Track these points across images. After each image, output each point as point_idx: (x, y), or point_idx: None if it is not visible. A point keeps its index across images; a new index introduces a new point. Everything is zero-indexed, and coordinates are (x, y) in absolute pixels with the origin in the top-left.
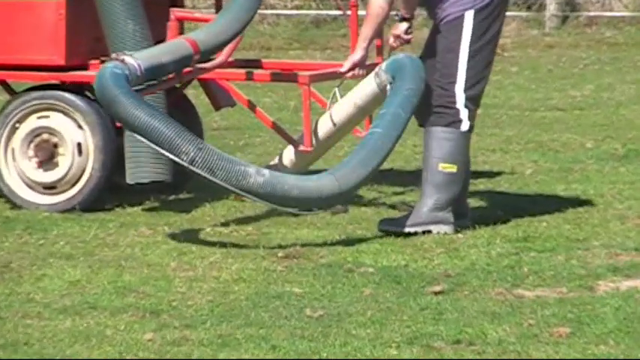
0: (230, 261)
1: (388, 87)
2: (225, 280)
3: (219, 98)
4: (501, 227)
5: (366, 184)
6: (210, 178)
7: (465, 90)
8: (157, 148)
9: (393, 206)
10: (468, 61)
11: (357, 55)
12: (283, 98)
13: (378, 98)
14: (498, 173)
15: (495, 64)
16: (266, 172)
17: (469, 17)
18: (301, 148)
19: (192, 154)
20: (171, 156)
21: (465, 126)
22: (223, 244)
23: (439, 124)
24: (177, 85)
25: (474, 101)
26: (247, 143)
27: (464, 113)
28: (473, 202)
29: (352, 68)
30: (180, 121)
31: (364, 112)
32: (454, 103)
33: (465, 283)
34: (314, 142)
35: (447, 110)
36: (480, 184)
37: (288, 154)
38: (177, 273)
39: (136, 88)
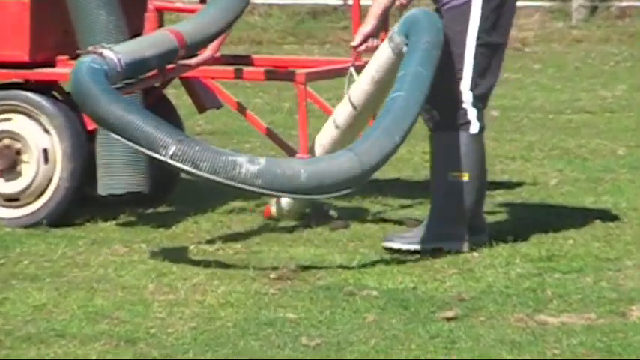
0: (216, 283)
1: (404, 49)
2: (210, 305)
3: (204, 99)
4: (522, 245)
5: (391, 158)
6: (195, 172)
7: (473, 87)
8: (135, 145)
9: (399, 222)
10: (475, 55)
11: (367, 27)
12: (276, 99)
13: (397, 65)
14: (519, 184)
15: (516, 60)
16: (261, 160)
17: (477, 4)
18: (298, 156)
19: (171, 147)
20: (150, 152)
21: (474, 128)
22: (208, 264)
23: (446, 128)
24: (156, 85)
25: (482, 100)
26: (235, 150)
27: (472, 113)
28: (490, 217)
29: (364, 41)
30: None
31: (386, 86)
32: (460, 102)
33: (480, 308)
34: (332, 136)
35: (453, 111)
36: (497, 196)
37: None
38: (155, 296)
39: (116, 86)
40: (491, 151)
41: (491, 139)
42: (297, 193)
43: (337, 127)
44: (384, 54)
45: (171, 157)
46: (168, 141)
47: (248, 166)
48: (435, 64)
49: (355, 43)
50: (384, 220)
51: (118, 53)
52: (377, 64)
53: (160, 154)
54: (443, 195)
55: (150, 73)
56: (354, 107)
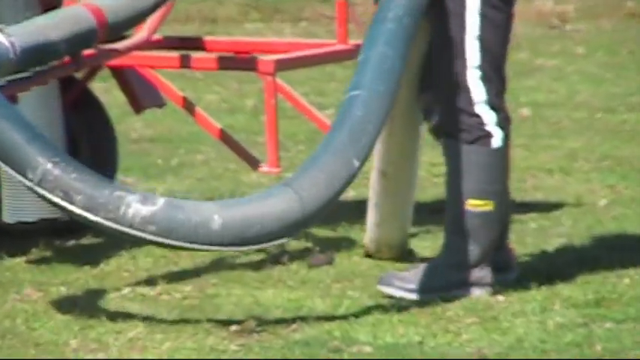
0: (158, 337)
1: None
2: None
3: (142, 95)
4: (562, 286)
5: (345, 190)
6: (65, 205)
7: (485, 79)
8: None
9: (400, 263)
10: (481, 36)
11: None
12: (237, 95)
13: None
14: (557, 205)
15: (552, 42)
16: (159, 199)
17: None
18: (264, 169)
19: (40, 169)
20: (15, 174)
21: (497, 140)
22: (148, 313)
23: (458, 137)
24: (77, 77)
25: (500, 97)
26: (183, 162)
27: (489, 119)
28: (519, 248)
29: None
30: (82, 128)
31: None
32: (472, 105)
33: None
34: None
35: (463, 117)
36: (530, 221)
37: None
38: (80, 355)
39: (8, 78)
40: (521, 162)
41: (520, 147)
42: (208, 244)
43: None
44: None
45: (39, 183)
46: (39, 161)
47: (138, 206)
48: (409, 39)
49: None
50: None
51: (10, 35)
52: None
53: (27, 178)
54: (459, 229)
55: (58, 62)
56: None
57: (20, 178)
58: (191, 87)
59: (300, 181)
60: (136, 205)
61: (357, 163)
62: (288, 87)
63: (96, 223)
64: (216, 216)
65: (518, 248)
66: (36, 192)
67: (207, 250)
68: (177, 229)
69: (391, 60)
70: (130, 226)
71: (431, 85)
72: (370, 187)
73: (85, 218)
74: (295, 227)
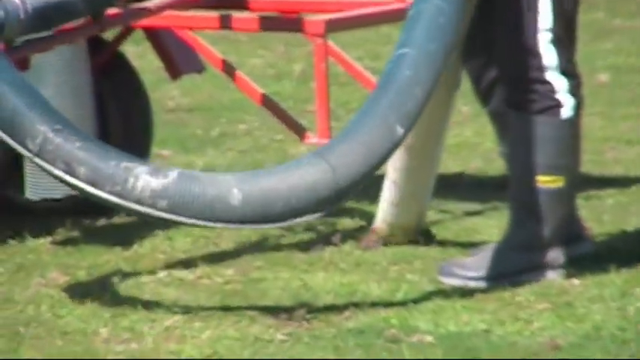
0: (197, 325)
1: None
2: (191, 358)
3: (179, 60)
4: None
5: (387, 161)
6: (67, 178)
7: (556, 42)
8: None
9: (463, 243)
10: None
11: None
12: (284, 59)
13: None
14: (638, 180)
15: (630, 0)
16: (172, 172)
17: None
18: (313, 139)
19: (40, 138)
20: (13, 142)
21: (567, 110)
22: (186, 299)
23: (524, 108)
24: (106, 40)
25: (572, 62)
26: (224, 133)
27: (562, 86)
28: (596, 227)
29: None
30: (112, 96)
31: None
32: (542, 71)
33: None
34: None
35: (534, 87)
36: (607, 198)
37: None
38: (111, 346)
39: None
40: (598, 132)
41: (597, 116)
42: (226, 221)
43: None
44: None
45: (38, 154)
46: (39, 129)
47: (148, 178)
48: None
49: None
50: (442, 233)
51: None
52: None
53: (26, 147)
54: (527, 208)
55: (77, 23)
56: None
57: (21, 149)
58: (233, 50)
59: (333, 150)
60: (145, 178)
61: (400, 131)
62: (339, 50)
63: (101, 199)
64: (235, 190)
65: (594, 227)
66: (37, 164)
67: (225, 228)
68: (191, 204)
69: (447, 15)
70: (138, 201)
71: (479, 49)
72: (388, 164)
73: (89, 193)
74: (326, 203)
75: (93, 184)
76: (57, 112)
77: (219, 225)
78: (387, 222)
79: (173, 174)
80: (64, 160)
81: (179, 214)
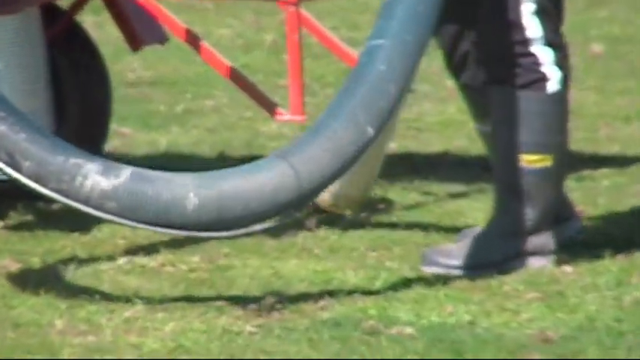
0: (160, 317)
1: None
2: (153, 351)
3: (140, 30)
4: None
5: (355, 163)
6: (12, 173)
7: (541, 12)
8: None
9: (447, 228)
10: None
11: None
12: (254, 29)
13: None
14: (635, 159)
15: None
16: (124, 170)
17: None
18: (286, 116)
19: None
20: None
21: (554, 83)
22: (148, 288)
23: (510, 85)
24: (61, 8)
25: (558, 32)
26: (190, 110)
27: (547, 59)
28: (590, 210)
29: None
30: (68, 69)
31: None
32: (525, 43)
33: (577, 353)
34: None
35: (517, 60)
36: (602, 178)
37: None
38: (67, 339)
39: None
40: (592, 108)
41: (591, 90)
42: (179, 228)
43: None
44: None
45: None
46: None
47: (97, 177)
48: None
49: None
50: (424, 217)
51: None
52: None
53: None
54: (513, 190)
55: None
56: None
57: None
58: (199, 20)
59: (297, 152)
60: (94, 177)
61: (371, 132)
62: (314, 19)
63: (48, 198)
64: (191, 194)
65: (588, 210)
66: None
67: (178, 236)
68: (142, 207)
69: (426, 2)
70: (86, 202)
71: (453, 18)
72: None
73: (33, 189)
74: (288, 209)
75: (37, 180)
76: (3, 97)
77: (171, 232)
78: (331, 191)
79: (126, 173)
80: (6, 151)
81: (129, 218)
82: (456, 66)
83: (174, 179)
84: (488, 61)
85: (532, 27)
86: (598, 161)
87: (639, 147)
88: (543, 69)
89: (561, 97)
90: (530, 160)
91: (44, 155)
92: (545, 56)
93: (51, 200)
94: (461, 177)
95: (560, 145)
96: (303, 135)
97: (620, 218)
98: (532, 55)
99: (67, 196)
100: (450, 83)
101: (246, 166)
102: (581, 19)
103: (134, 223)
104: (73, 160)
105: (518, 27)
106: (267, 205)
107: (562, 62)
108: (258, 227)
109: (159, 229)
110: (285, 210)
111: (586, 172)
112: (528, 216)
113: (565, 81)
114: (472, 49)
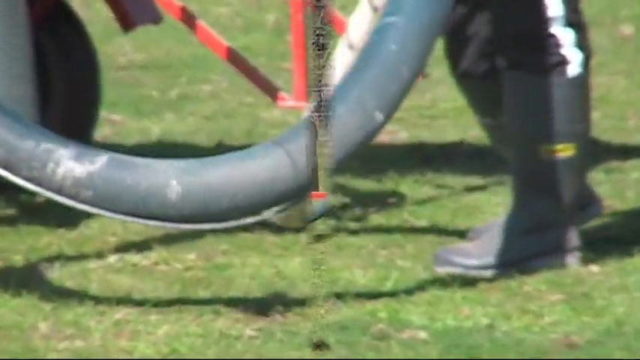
0: (154, 320)
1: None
2: (146, 357)
3: (132, 9)
4: None
5: (360, 149)
6: None
7: None
8: None
9: (462, 224)
10: None
11: None
12: (254, 8)
13: None
14: None
15: None
16: (100, 157)
17: None
18: (289, 102)
19: None
20: None
21: (575, 66)
22: (141, 288)
23: (528, 70)
24: None
25: (579, 11)
26: (185, 94)
27: (568, 40)
28: (618, 204)
29: None
30: (55, 51)
31: None
32: (544, 23)
33: (605, 359)
34: None
35: (535, 42)
36: (631, 171)
37: None
38: (52, 344)
39: None
40: (621, 95)
41: (620, 74)
42: (161, 219)
43: (353, 48)
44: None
45: None
46: None
47: (71, 164)
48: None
49: None
50: (436, 214)
51: None
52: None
53: None
54: (532, 183)
55: None
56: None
57: None
58: None
59: (295, 139)
60: (67, 163)
61: (380, 117)
62: None
63: (20, 186)
64: (174, 182)
65: (616, 204)
66: None
67: (159, 227)
68: (120, 196)
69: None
70: (59, 191)
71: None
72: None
73: (3, 177)
74: (284, 201)
75: (6, 168)
76: None
77: (152, 223)
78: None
79: (102, 159)
80: None
81: (106, 208)
82: (455, 52)
83: (154, 165)
84: (503, 44)
85: (553, 5)
86: (627, 152)
87: None
88: (564, 51)
89: (583, 80)
90: (552, 150)
91: (13, 140)
92: (565, 37)
93: (26, 190)
94: (478, 169)
95: (583, 132)
96: (304, 120)
97: None
98: (552, 36)
99: (39, 184)
100: None
101: (237, 153)
102: None
103: (112, 214)
104: (44, 146)
105: (539, 5)
106: (259, 196)
107: (583, 42)
108: (250, 219)
109: (139, 220)
110: (281, 202)
111: (614, 164)
112: (551, 211)
113: (587, 63)
114: (479, 35)
